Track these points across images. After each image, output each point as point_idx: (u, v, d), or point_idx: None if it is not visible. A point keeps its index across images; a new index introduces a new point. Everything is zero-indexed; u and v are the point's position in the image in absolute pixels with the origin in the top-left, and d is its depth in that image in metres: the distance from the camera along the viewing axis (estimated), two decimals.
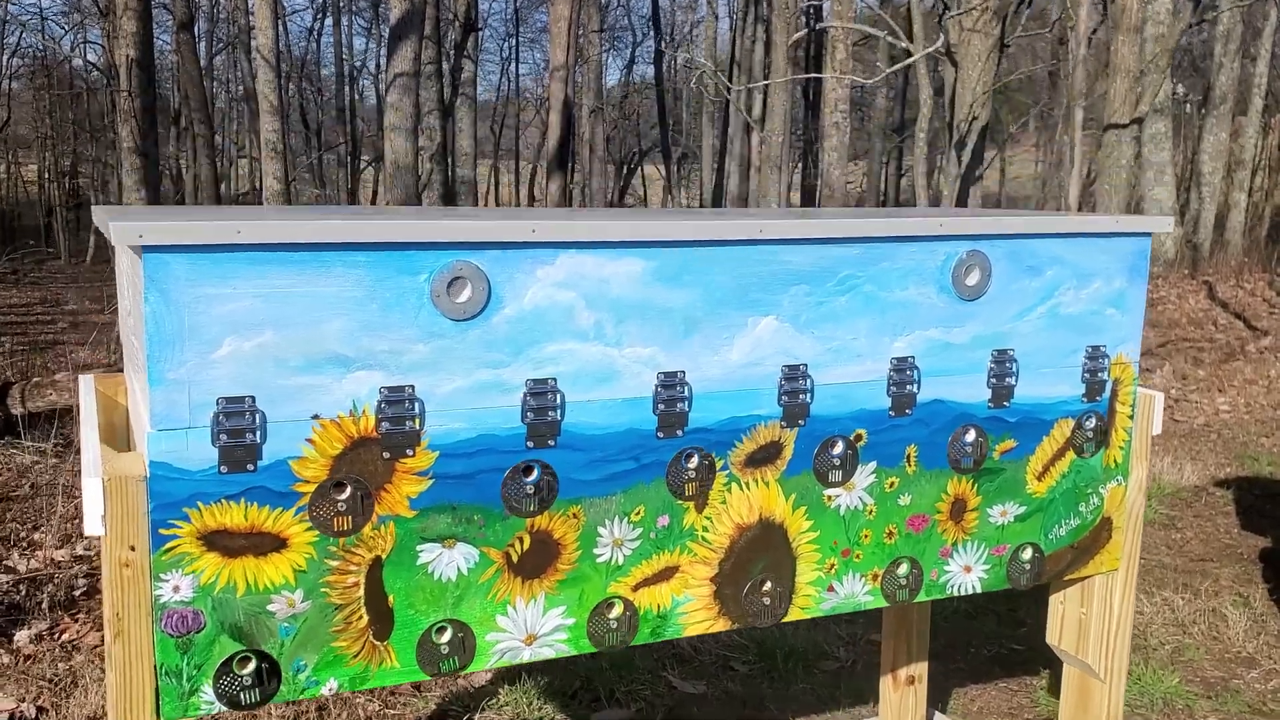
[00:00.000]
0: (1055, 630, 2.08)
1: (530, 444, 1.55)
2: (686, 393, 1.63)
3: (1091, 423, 1.92)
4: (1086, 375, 1.90)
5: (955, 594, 1.88)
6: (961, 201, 5.75)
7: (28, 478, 5.48)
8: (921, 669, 2.52)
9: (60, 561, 4.11)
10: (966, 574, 1.88)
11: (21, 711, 2.96)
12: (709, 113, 24.95)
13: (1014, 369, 1.84)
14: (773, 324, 1.67)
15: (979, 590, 1.90)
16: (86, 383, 1.85)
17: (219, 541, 1.41)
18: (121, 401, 1.86)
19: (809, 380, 1.70)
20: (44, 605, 3.68)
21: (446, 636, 1.55)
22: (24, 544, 4.32)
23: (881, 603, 1.83)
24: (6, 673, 3.20)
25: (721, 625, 1.73)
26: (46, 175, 24.82)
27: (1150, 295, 14.05)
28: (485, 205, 26.85)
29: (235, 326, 1.39)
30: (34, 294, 18.02)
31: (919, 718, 2.59)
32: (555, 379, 1.56)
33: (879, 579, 1.81)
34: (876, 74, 10.57)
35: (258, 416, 1.41)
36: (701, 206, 22.20)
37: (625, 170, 31.15)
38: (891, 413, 1.77)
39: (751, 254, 1.64)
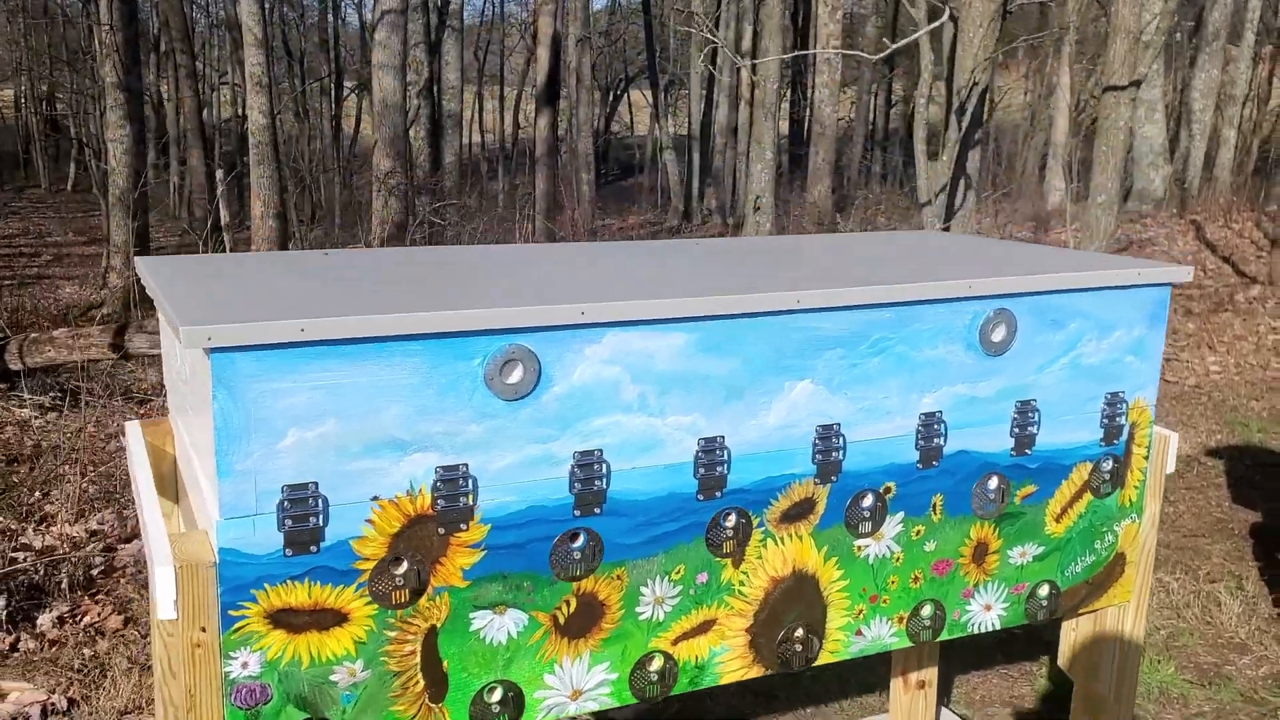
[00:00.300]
0: (1067, 656, 2.16)
1: (577, 512, 1.61)
2: (726, 456, 1.69)
3: (1108, 465, 1.99)
4: (1105, 421, 1.96)
5: (975, 632, 1.96)
6: (960, 165, 5.77)
7: (30, 435, 5.53)
8: (932, 674, 2.62)
9: (75, 538, 4.17)
10: (986, 612, 1.96)
11: (53, 703, 3.04)
12: (697, 41, 24.67)
13: (1036, 418, 1.90)
14: (808, 387, 1.73)
15: (998, 627, 1.98)
16: (135, 433, 1.90)
17: (284, 619, 1.47)
18: (169, 450, 1.90)
19: (841, 438, 1.76)
20: (63, 586, 3.75)
21: (497, 696, 1.62)
22: (36, 517, 4.38)
23: (906, 643, 1.91)
24: (33, 660, 3.28)
25: (756, 672, 1.80)
26: (23, 101, 24.46)
27: (1139, 235, 14.13)
28: (470, 135, 26.57)
29: (298, 418, 1.43)
30: (16, 225, 17.84)
31: (928, 718, 2.69)
32: (601, 449, 1.61)
33: (904, 621, 1.89)
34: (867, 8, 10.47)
35: (320, 501, 1.46)
36: (690, 137, 22.03)
37: (611, 98, 30.86)
38: (919, 465, 1.83)
39: (788, 323, 1.69)
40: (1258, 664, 3.31)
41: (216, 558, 1.43)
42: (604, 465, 1.61)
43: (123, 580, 3.87)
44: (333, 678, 1.52)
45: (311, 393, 1.43)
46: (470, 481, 1.54)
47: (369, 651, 1.53)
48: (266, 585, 1.46)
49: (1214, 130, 17.12)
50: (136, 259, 1.89)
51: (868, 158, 23.05)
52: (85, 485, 4.62)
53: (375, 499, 1.49)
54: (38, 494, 4.65)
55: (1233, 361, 6.75)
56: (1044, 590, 2.00)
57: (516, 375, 1.54)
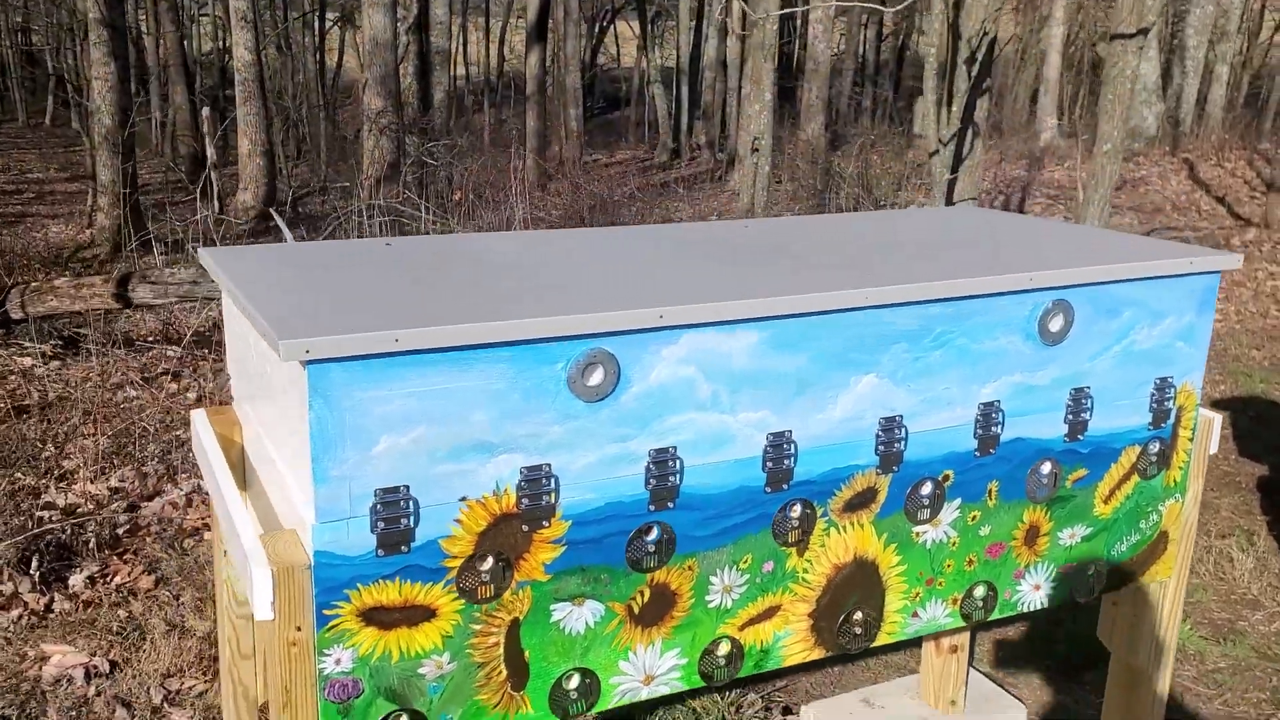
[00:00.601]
0: (1107, 629, 2.23)
1: (652, 507, 1.65)
2: (793, 450, 1.73)
3: (1156, 448, 2.03)
4: (1153, 405, 2.01)
5: (1024, 610, 2.02)
6: (968, 117, 5.76)
7: (34, 385, 5.53)
8: (964, 639, 2.69)
9: (98, 496, 4.20)
10: (1035, 591, 2.02)
11: (94, 665, 3.09)
12: None
13: (1089, 405, 1.94)
14: (873, 380, 1.76)
15: (1046, 605, 2.04)
16: (202, 423, 1.92)
17: (376, 617, 1.51)
18: (236, 439, 1.93)
19: (904, 429, 1.80)
20: (91, 545, 3.79)
21: (574, 683, 1.67)
22: (56, 474, 4.40)
23: (959, 623, 1.96)
24: (69, 621, 3.33)
25: (817, 654, 1.86)
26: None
27: (1132, 174, 14.14)
28: (456, 69, 26.22)
29: (391, 425, 1.46)
30: None
31: (959, 681, 2.77)
32: (676, 446, 1.65)
33: (958, 602, 1.94)
34: None
35: (411, 503, 1.50)
36: (678, 70, 21.80)
37: (597, 29, 30.46)
38: (977, 453, 1.87)
39: (857, 319, 1.72)
40: (1270, 619, 3.40)
41: (312, 560, 1.46)
42: (678, 461, 1.65)
43: (148, 539, 3.91)
44: (421, 670, 1.56)
45: (404, 400, 1.46)
46: (553, 480, 1.58)
47: (455, 644, 1.57)
48: (359, 585, 1.49)
49: (1207, 67, 17.06)
50: (202, 252, 1.90)
51: (858, 92, 22.92)
52: (100, 440, 4.64)
53: (464, 499, 1.53)
54: (51, 448, 4.67)
55: (1232, 309, 6.82)
56: (1091, 569, 2.05)
57: (597, 378, 1.57)
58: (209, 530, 4.01)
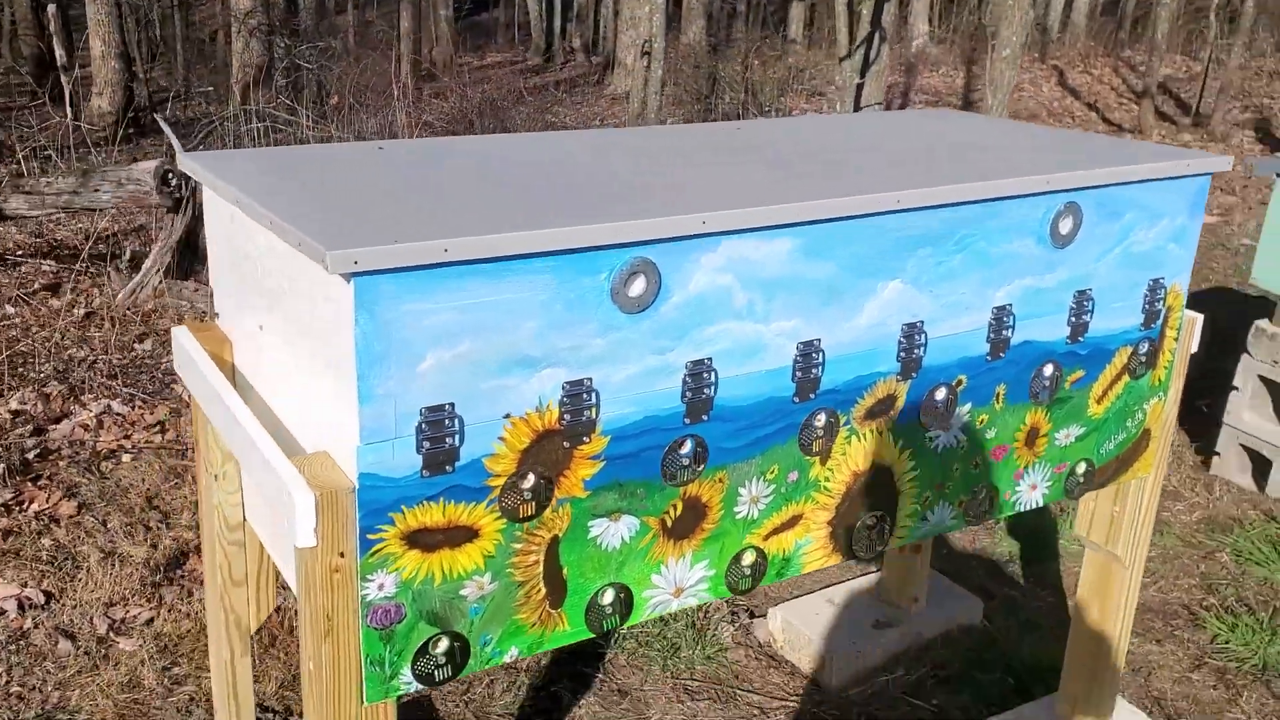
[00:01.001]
0: (1085, 524, 2.29)
1: (687, 420, 1.62)
2: (821, 359, 1.71)
3: (1145, 348, 2.08)
4: (1146, 306, 2.04)
5: (1020, 510, 2.06)
6: (876, 21, 5.75)
7: None
8: (928, 541, 2.74)
9: None
10: (1032, 491, 2.05)
11: (27, 597, 2.94)
12: None
13: (1091, 306, 1.97)
14: (898, 286, 1.74)
15: (1040, 505, 2.08)
16: (187, 341, 1.80)
17: (419, 539, 1.46)
18: (226, 358, 1.82)
19: (924, 335, 1.80)
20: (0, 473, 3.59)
21: (609, 598, 1.64)
22: None
23: (963, 525, 1.99)
24: None
25: (834, 560, 1.87)
26: None
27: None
28: None
29: (437, 339, 1.39)
30: None
31: (920, 579, 2.83)
32: (711, 358, 1.61)
33: (963, 505, 1.97)
34: None
35: (456, 421, 1.43)
36: None
37: None
38: (988, 357, 1.88)
39: (886, 223, 1.69)
40: (1191, 510, 3.57)
41: (356, 483, 1.39)
42: (713, 373, 1.62)
43: (61, 464, 3.73)
44: (463, 592, 1.51)
45: (450, 314, 1.39)
46: (594, 395, 1.53)
47: (497, 564, 1.53)
48: (404, 507, 1.43)
49: None
50: (186, 158, 1.77)
51: None
52: None
53: (507, 416, 1.47)
54: None
55: None
56: (1081, 468, 2.10)
57: (639, 287, 1.51)
58: (127, 453, 3.84)
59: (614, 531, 1.61)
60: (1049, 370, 1.96)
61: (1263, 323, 3.69)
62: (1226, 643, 2.89)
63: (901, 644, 2.78)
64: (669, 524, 1.66)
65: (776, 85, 13.51)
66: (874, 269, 1.71)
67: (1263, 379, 3.70)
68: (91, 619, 2.86)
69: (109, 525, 3.32)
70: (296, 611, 2.27)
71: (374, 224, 1.40)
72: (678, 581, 1.70)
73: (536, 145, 1.98)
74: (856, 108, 5.90)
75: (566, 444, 1.53)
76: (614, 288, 1.49)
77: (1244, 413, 3.74)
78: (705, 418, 1.63)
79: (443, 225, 1.40)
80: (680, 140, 2.06)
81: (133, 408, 4.21)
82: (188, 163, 1.76)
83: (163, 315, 5.19)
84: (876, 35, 5.86)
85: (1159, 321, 2.08)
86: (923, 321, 1.79)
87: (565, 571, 1.59)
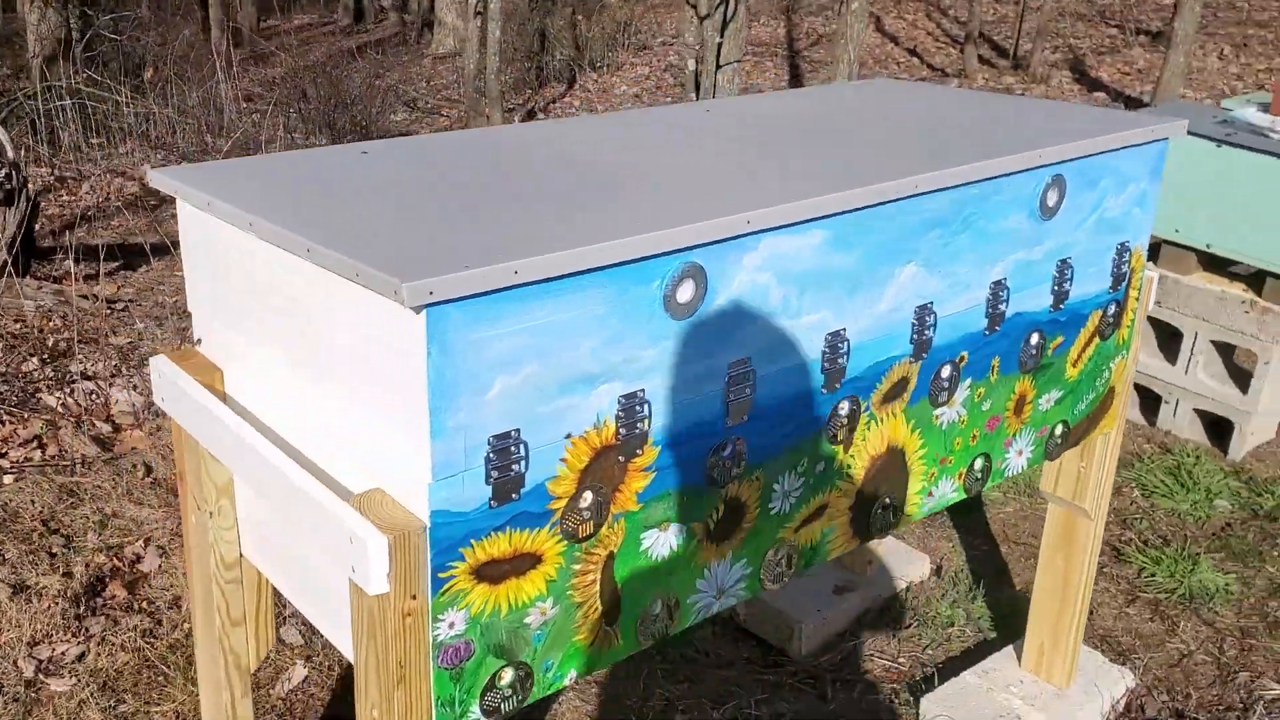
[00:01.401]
0: (1051, 480, 2.37)
1: (729, 421, 1.59)
2: (846, 348, 1.70)
3: (1112, 310, 2.15)
4: (1114, 269, 2.11)
5: (1009, 475, 2.11)
6: None
7: None
8: None
9: None
10: (1019, 457, 2.11)
11: None
12: None
13: (1071, 275, 2.02)
14: (912, 270, 1.75)
15: (1025, 469, 2.14)
16: (171, 372, 1.67)
17: (487, 572, 1.39)
18: (218, 387, 1.69)
19: (934, 316, 1.81)
20: None
21: (658, 608, 1.61)
22: None
23: (962, 496, 2.03)
24: None
25: (853, 545, 1.88)
26: None
27: (822, 30, 14.67)
28: None
29: (504, 365, 1.32)
30: None
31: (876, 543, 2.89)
32: (750, 357, 1.58)
33: (962, 477, 2.00)
34: None
35: (522, 447, 1.37)
36: None
37: None
38: (986, 332, 1.91)
39: (905, 208, 1.69)
40: None
41: (428, 521, 1.32)
42: (752, 373, 1.59)
43: None
44: (527, 620, 1.46)
45: (516, 337, 1.32)
46: (646, 406, 1.48)
47: (558, 588, 1.48)
48: (473, 541, 1.37)
49: None
50: (161, 176, 1.62)
51: None
52: None
53: (569, 436, 1.41)
54: None
55: None
56: (1059, 430, 2.16)
57: (688, 293, 1.47)
58: (7, 473, 3.57)
59: (663, 541, 1.58)
60: (1035, 339, 2.01)
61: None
62: (1153, 575, 3.05)
63: (862, 606, 2.83)
64: (711, 528, 1.63)
65: (605, 41, 13.45)
66: (893, 254, 1.71)
67: (1149, 319, 3.89)
68: (15, 661, 2.66)
69: (8, 556, 3.09)
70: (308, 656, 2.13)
71: (430, 248, 1.32)
72: (720, 583, 1.68)
73: (519, 139, 1.90)
74: (718, 66, 5.91)
75: (622, 458, 1.48)
76: (666, 295, 1.45)
77: None
78: (745, 418, 1.61)
79: (501, 244, 1.33)
80: (660, 126, 2.01)
81: (1, 424, 3.92)
82: (163, 180, 1.62)
83: (4, 317, 4.84)
84: None
85: (1124, 284, 2.15)
86: (932, 302, 1.80)
87: (620, 587, 1.55)
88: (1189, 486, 3.47)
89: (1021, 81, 9.97)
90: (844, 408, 1.74)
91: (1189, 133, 3.35)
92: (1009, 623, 2.84)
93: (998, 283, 1.89)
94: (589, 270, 1.36)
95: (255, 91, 10.58)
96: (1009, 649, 2.64)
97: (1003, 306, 1.92)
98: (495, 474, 1.36)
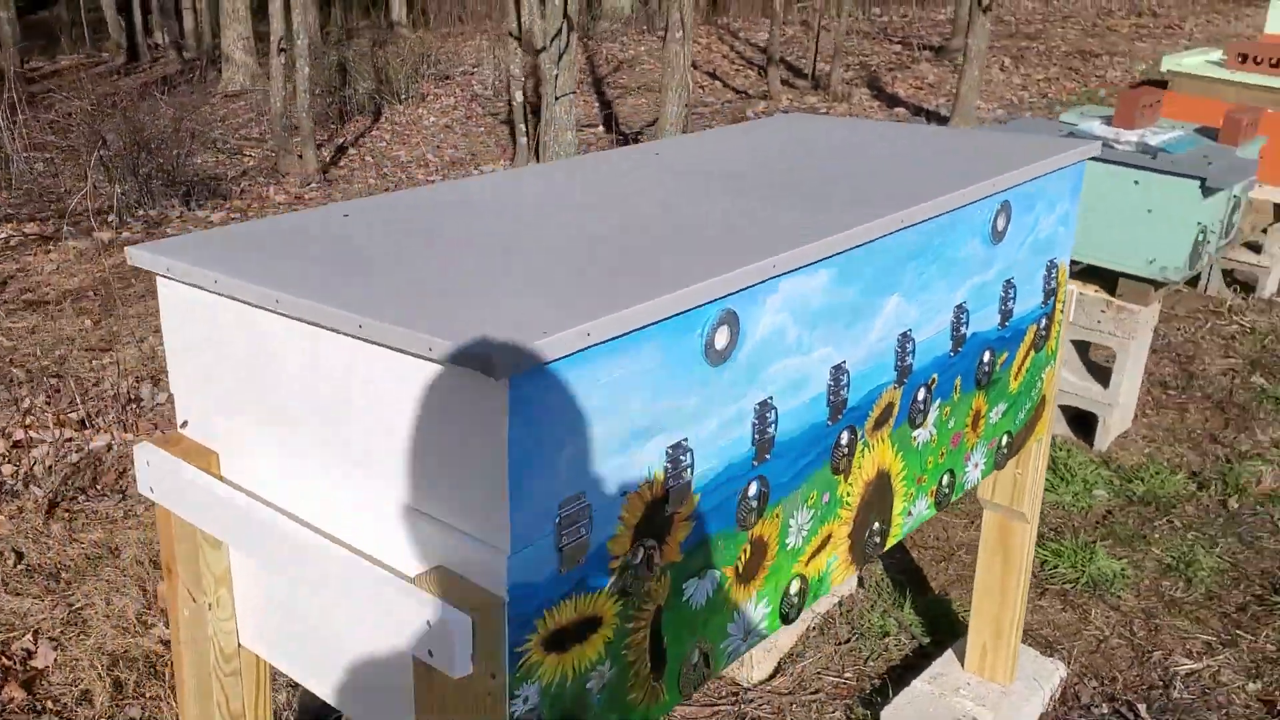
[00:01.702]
0: (988, 489, 2.47)
1: (755, 462, 1.60)
2: (847, 380, 1.74)
3: (1044, 322, 2.26)
4: (1045, 285, 2.22)
5: (969, 488, 2.19)
6: (565, 8, 5.78)
7: None
8: None
9: None
10: (975, 469, 2.19)
11: None
12: None
13: (1014, 294, 2.12)
14: (895, 300, 1.80)
15: (979, 480, 2.22)
16: (160, 458, 1.57)
17: (555, 641, 1.36)
18: (214, 471, 1.59)
19: (913, 343, 1.87)
20: None
21: (696, 656, 1.61)
22: None
23: (934, 512, 2.09)
24: None
25: (851, 571, 1.91)
26: None
27: (620, 55, 14.89)
28: None
29: (572, 429, 1.30)
30: None
31: None
32: (772, 396, 1.60)
33: (934, 493, 2.07)
34: None
35: (588, 510, 1.35)
36: None
37: None
38: (950, 354, 1.98)
39: (890, 242, 1.74)
40: None
41: (506, 596, 1.28)
42: (774, 411, 1.61)
43: None
44: (589, 685, 1.43)
45: (584, 399, 1.30)
46: (689, 455, 1.48)
47: (614, 649, 1.46)
48: (545, 611, 1.33)
49: None
50: (142, 252, 1.52)
51: None
52: None
53: (625, 494, 1.40)
54: None
55: None
56: (1005, 440, 2.26)
57: (724, 339, 1.48)
58: None
59: (700, 589, 1.58)
60: (987, 357, 2.10)
61: None
62: (1055, 567, 3.21)
63: (801, 626, 2.88)
64: (740, 570, 1.64)
65: (408, 72, 13.27)
66: (882, 287, 1.76)
67: None
68: None
69: None
70: None
71: (494, 314, 1.28)
72: (746, 625, 1.69)
73: (495, 192, 1.86)
74: (556, 98, 5.92)
75: (669, 510, 1.47)
76: (706, 343, 1.45)
77: None
78: (768, 457, 1.62)
79: (563, 306, 1.31)
80: (622, 172, 2.01)
81: None
82: (145, 258, 1.52)
83: None
84: (565, 26, 5.89)
85: (1052, 298, 2.27)
86: (911, 329, 1.86)
87: (665, 640, 1.54)
88: (1067, 479, 3.68)
89: (824, 100, 10.36)
90: (844, 438, 1.77)
91: None
92: (939, 626, 2.94)
93: (959, 306, 1.97)
94: (649, 324, 1.35)
95: (57, 141, 9.98)
96: (949, 653, 2.73)
97: (964, 329, 2.00)
98: (564, 539, 1.33)
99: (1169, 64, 4.80)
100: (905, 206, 1.74)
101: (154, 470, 1.59)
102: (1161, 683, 2.74)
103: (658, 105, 11.37)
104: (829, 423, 1.73)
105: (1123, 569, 3.18)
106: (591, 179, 1.96)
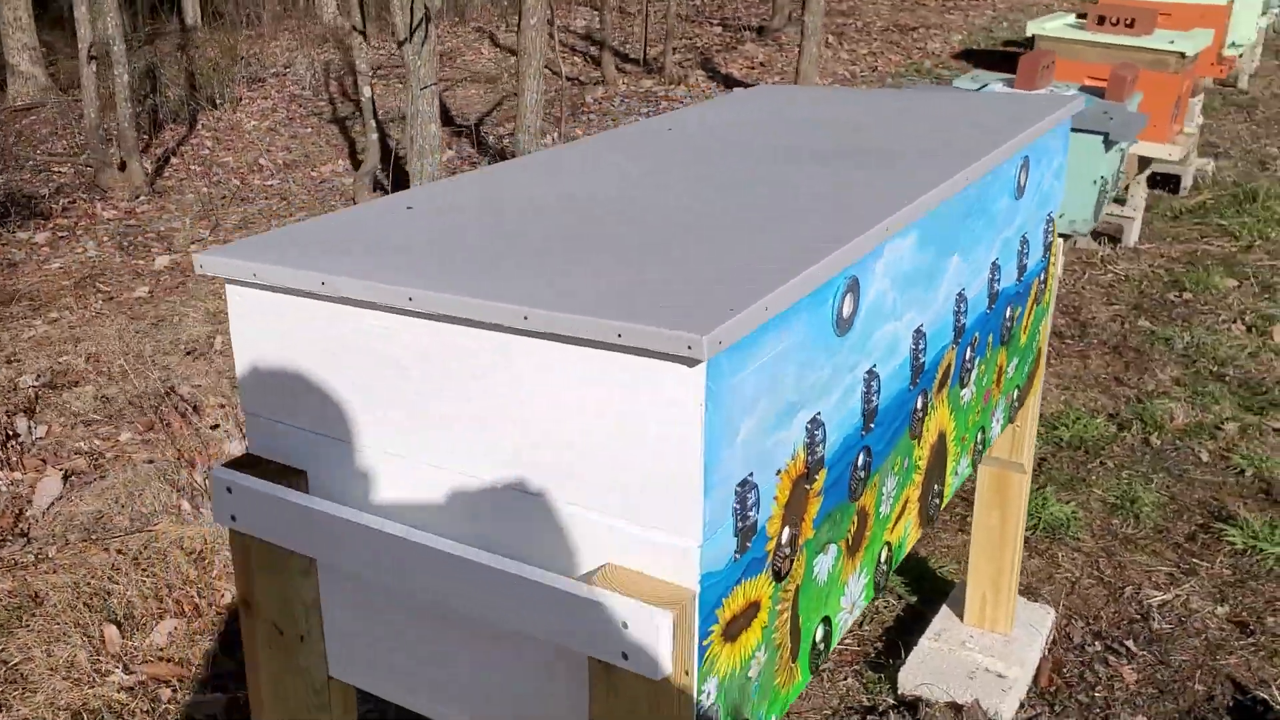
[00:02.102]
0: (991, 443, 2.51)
1: (864, 432, 1.58)
2: (924, 344, 1.73)
3: (1043, 275, 2.31)
4: (1045, 239, 2.27)
5: (992, 443, 2.22)
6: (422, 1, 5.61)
7: None
8: None
9: None
10: (996, 425, 2.23)
11: None
12: None
13: (1028, 248, 2.15)
14: (956, 260, 1.80)
15: (997, 435, 2.26)
16: (251, 482, 1.44)
17: (729, 631, 1.31)
18: (302, 490, 1.47)
19: (966, 302, 1.88)
20: None
21: (820, 633, 1.58)
22: None
23: (970, 471, 2.12)
24: None
25: (918, 534, 1.91)
26: None
27: (438, 49, 14.60)
28: None
29: (746, 409, 1.25)
30: None
31: None
32: (876, 364, 1.58)
33: (972, 451, 2.09)
34: None
35: (755, 491, 1.30)
36: None
37: None
38: (987, 310, 2.00)
39: (956, 202, 1.74)
40: None
41: (697, 587, 1.22)
42: (878, 380, 1.59)
43: None
44: (750, 674, 1.39)
45: (756, 376, 1.25)
46: (822, 429, 1.45)
47: (768, 633, 1.41)
48: (724, 600, 1.28)
49: None
50: (227, 259, 1.38)
51: None
52: None
53: (778, 472, 1.35)
54: None
55: None
56: (1016, 394, 2.31)
57: (850, 307, 1.45)
58: None
59: (823, 565, 1.55)
60: (1009, 312, 2.13)
61: None
62: None
63: None
64: (850, 542, 1.62)
65: (220, 77, 12.72)
66: (949, 247, 1.76)
67: None
68: None
69: None
70: None
71: (664, 297, 1.21)
72: (853, 596, 1.67)
73: (544, 173, 1.77)
74: (420, 89, 5.75)
75: (807, 486, 1.44)
76: (836, 312, 1.42)
77: None
78: (873, 426, 1.60)
79: (724, 281, 1.25)
80: (672, 148, 1.94)
81: None
82: (221, 263, 1.38)
83: None
84: (425, 16, 5.71)
85: (1049, 250, 2.32)
86: (965, 289, 1.87)
87: (801, 620, 1.51)
88: None
89: (661, 84, 10.41)
90: (919, 402, 1.77)
91: None
92: (922, 585, 2.99)
93: (994, 263, 1.99)
94: (801, 297, 1.30)
95: None
96: (945, 609, 2.78)
97: (996, 285, 2.02)
98: (740, 523, 1.28)
99: (1033, 28, 4.99)
100: (966, 165, 1.74)
101: (236, 497, 1.46)
102: (1140, 615, 2.85)
103: (490, 95, 11.22)
104: (909, 388, 1.72)
105: (1073, 512, 3.30)
106: (645, 155, 1.89)
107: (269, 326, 1.43)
